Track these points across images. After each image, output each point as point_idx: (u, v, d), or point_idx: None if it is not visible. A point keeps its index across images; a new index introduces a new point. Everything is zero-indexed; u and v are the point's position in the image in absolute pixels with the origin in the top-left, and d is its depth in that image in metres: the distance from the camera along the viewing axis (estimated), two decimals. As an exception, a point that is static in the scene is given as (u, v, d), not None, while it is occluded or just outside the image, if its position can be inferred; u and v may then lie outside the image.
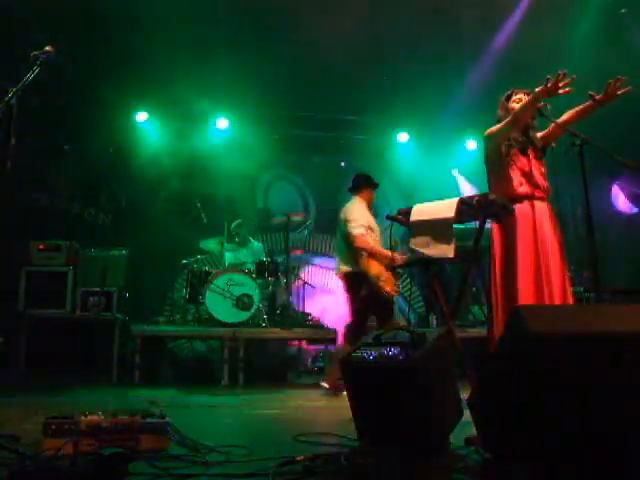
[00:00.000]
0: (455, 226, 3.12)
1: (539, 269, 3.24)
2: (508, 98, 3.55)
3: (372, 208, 5.12)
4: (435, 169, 8.59)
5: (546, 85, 3.04)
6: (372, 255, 4.66)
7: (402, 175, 8.81)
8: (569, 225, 7.75)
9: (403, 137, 8.68)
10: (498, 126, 3.39)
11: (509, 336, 2.05)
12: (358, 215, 4.85)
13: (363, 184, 5.12)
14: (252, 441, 2.57)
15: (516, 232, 3.32)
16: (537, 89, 3.13)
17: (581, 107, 3.30)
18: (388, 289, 4.62)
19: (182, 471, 2.08)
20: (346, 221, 4.85)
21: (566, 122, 3.36)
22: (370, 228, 4.84)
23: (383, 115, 8.14)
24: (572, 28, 6.39)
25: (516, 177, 3.39)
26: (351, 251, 4.79)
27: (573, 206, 7.99)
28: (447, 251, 3.09)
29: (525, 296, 3.18)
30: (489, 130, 3.45)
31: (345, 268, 4.88)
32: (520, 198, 3.35)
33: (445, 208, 3.15)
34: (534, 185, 3.39)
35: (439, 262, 3.27)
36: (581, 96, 3.19)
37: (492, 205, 3.10)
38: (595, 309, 2.52)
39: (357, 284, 4.75)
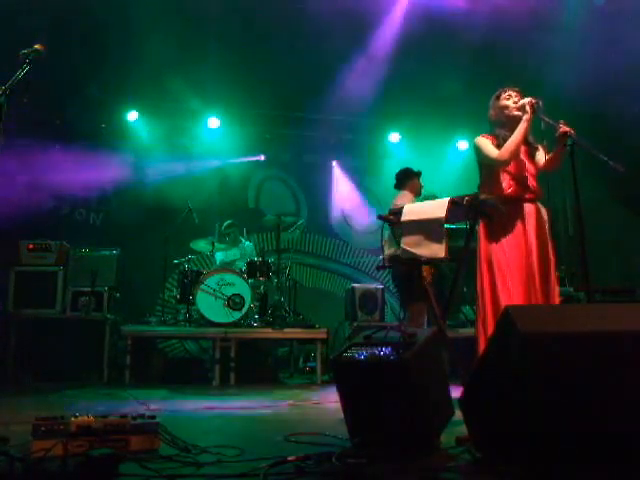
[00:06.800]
0: (446, 226, 3.14)
1: (526, 271, 3.26)
2: (498, 98, 3.57)
3: (419, 195, 5.32)
4: (426, 169, 8.59)
5: (532, 112, 3.30)
6: None
7: (393, 175, 8.80)
8: (560, 224, 7.80)
9: (394, 137, 8.70)
10: (489, 153, 3.42)
11: (498, 336, 2.06)
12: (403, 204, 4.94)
13: (404, 177, 5.35)
14: (243, 441, 2.56)
15: (503, 234, 3.33)
16: (526, 117, 3.33)
17: (549, 157, 3.44)
18: (429, 279, 4.71)
19: (173, 472, 2.07)
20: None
21: (542, 169, 3.52)
22: None
23: (374, 115, 8.16)
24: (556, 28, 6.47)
25: (506, 179, 3.41)
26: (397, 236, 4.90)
27: (564, 205, 8.04)
28: (438, 251, 3.10)
29: (513, 297, 3.20)
30: (480, 145, 3.48)
31: (391, 252, 4.97)
32: (510, 200, 3.36)
33: (436, 208, 3.17)
34: (524, 187, 3.41)
35: (429, 262, 3.29)
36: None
37: (483, 205, 3.12)
38: (583, 309, 2.54)
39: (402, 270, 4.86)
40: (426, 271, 4.70)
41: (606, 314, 2.05)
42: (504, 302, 3.13)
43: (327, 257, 8.78)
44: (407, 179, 5.33)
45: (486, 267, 3.33)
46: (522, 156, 3.47)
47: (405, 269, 4.89)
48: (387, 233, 5.16)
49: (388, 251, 5.10)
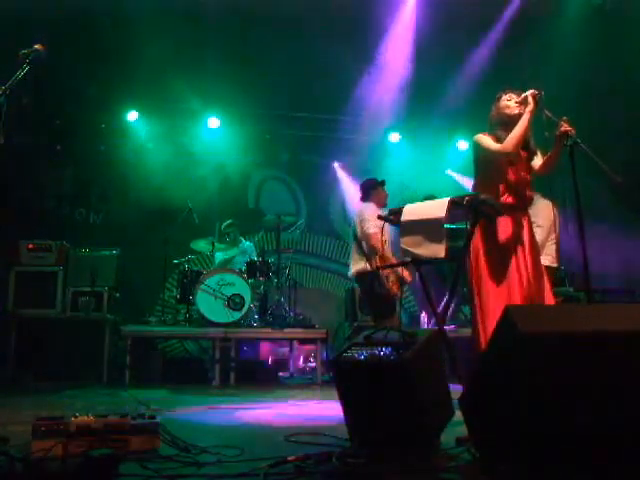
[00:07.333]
0: (446, 226, 3.13)
1: (518, 274, 3.27)
2: (499, 99, 3.56)
3: (385, 205, 5.27)
4: (426, 169, 8.60)
5: (535, 104, 3.27)
6: (383, 256, 4.78)
7: (393, 175, 8.81)
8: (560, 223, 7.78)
9: (394, 137, 8.70)
10: (491, 146, 3.38)
11: (498, 336, 2.06)
12: (371, 216, 4.95)
13: (369, 188, 5.28)
14: (243, 441, 2.56)
15: (498, 238, 3.33)
16: (529, 109, 3.29)
17: (547, 156, 3.40)
18: (395, 289, 4.77)
19: (173, 472, 2.07)
20: (361, 221, 5.03)
21: (539, 171, 3.49)
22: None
23: (375, 115, 8.15)
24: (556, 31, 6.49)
25: (502, 187, 3.40)
26: (364, 251, 4.97)
27: (564, 204, 8.02)
28: (438, 251, 3.10)
29: (507, 299, 3.19)
30: (481, 141, 3.45)
31: (359, 267, 5.03)
32: (504, 208, 3.36)
33: (436, 208, 3.17)
34: (519, 196, 3.41)
35: (430, 262, 3.28)
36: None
37: (483, 205, 3.12)
38: (583, 309, 2.54)
39: (371, 282, 4.89)
40: (393, 282, 4.78)
41: (606, 314, 2.05)
42: (498, 304, 3.12)
43: (327, 257, 8.78)
44: (372, 189, 5.26)
45: (486, 269, 3.33)
46: (521, 160, 3.46)
47: (369, 286, 4.95)
48: (353, 246, 5.19)
49: (355, 267, 5.11)
